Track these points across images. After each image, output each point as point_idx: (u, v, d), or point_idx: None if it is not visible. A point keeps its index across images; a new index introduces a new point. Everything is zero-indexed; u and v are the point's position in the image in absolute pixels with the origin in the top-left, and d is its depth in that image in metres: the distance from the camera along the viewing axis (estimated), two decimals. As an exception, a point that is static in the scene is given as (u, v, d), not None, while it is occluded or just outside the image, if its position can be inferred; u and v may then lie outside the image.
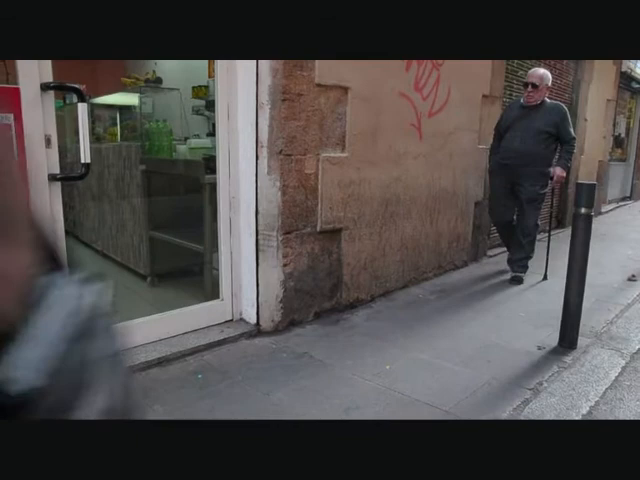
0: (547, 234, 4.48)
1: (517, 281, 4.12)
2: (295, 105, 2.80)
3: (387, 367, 2.61)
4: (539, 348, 2.90)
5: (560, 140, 4.01)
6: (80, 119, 2.20)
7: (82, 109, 2.20)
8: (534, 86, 3.92)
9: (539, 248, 4.42)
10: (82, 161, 2.27)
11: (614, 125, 8.73)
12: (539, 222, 4.19)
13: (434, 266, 4.15)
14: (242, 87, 2.81)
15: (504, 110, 4.41)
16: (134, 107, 5.06)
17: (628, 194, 10.40)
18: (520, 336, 3.05)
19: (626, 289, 4.08)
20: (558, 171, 4.00)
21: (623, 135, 10.14)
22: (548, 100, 4.06)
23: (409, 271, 3.88)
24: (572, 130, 4.06)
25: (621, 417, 2.23)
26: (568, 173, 4.77)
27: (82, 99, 2.21)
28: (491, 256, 4.96)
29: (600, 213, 8.04)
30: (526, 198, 4.03)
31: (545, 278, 4.22)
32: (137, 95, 4.69)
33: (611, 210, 8.86)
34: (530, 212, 4.07)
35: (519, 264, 4.18)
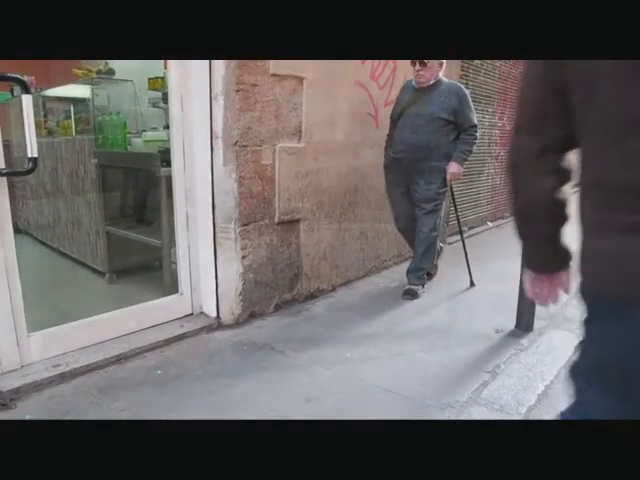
0: (460, 238, 3.92)
1: (410, 294, 3.48)
2: (250, 95, 2.76)
3: (348, 355, 2.62)
4: (497, 332, 2.96)
5: (459, 128, 3.35)
6: (25, 111, 2.13)
7: (27, 101, 2.12)
8: (422, 64, 3.27)
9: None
10: (29, 155, 2.19)
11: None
12: (439, 227, 3.55)
13: (394, 254, 4.18)
14: (195, 78, 2.75)
15: (398, 94, 3.59)
16: (87, 99, 4.92)
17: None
18: (479, 320, 3.11)
19: (580, 272, 4.19)
20: (452, 168, 3.35)
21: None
22: (445, 80, 3.38)
23: (369, 260, 3.91)
24: (474, 116, 3.38)
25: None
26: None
27: (26, 90, 2.14)
28: (450, 243, 5.04)
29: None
30: (421, 199, 3.42)
31: (472, 284, 3.75)
32: (89, 87, 4.55)
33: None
34: (426, 216, 3.44)
35: (414, 274, 3.56)
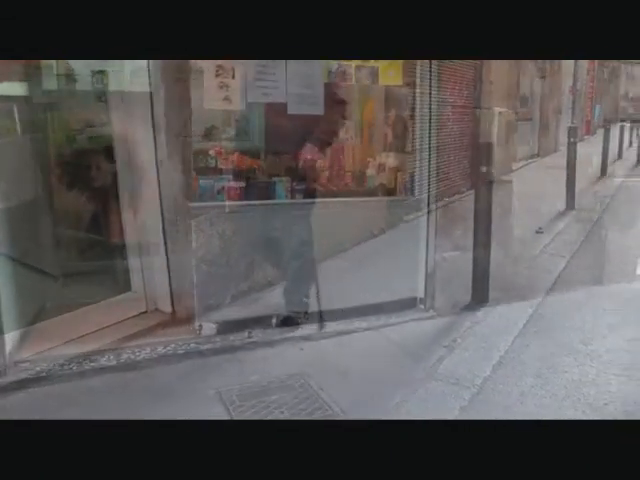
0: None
1: (288, 323, 2.79)
2: (191, 85, 2.70)
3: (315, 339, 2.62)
4: (454, 306, 3.00)
5: None
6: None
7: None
8: None
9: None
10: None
11: (518, 86, 9.06)
12: (307, 238, 2.96)
13: (352, 235, 4.18)
14: (133, 69, 2.68)
15: None
16: (30, 97, 4.74)
17: (536, 151, 10.89)
18: (436, 295, 3.13)
19: (533, 242, 4.29)
20: (305, 152, 2.76)
21: (527, 95, 10.55)
22: None
23: (326, 243, 3.89)
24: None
25: (526, 361, 2.36)
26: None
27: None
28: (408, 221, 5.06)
29: (511, 171, 8.38)
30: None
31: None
32: (27, 83, 4.38)
33: (521, 167, 9.25)
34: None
35: (293, 297, 2.92)
